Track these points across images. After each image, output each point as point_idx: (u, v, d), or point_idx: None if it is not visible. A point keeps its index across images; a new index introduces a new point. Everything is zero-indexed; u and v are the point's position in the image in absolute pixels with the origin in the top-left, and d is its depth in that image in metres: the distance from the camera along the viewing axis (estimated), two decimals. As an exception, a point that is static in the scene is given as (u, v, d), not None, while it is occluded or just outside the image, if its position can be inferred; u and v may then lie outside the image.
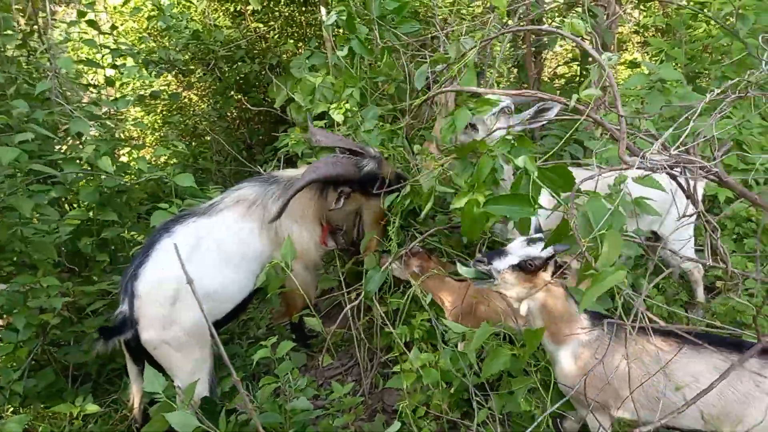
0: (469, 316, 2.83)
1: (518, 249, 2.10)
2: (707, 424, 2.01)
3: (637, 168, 1.88)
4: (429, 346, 2.89)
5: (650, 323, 2.00)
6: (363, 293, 2.94)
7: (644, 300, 2.19)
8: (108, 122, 3.95)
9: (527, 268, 2.06)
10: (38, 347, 3.06)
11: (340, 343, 3.61)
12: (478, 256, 2.14)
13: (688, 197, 2.32)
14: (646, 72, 3.23)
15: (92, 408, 2.78)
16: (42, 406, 3.03)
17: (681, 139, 1.96)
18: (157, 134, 6.32)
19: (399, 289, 3.17)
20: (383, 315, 2.93)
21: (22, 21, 4.31)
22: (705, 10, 4.22)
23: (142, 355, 2.69)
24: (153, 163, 4.98)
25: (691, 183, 2.16)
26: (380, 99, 3.76)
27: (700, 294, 3.34)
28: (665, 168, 1.98)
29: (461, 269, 2.18)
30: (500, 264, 2.07)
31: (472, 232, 2.23)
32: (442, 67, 3.08)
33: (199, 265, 2.75)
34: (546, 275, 2.09)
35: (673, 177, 2.19)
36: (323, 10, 4.19)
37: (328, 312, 3.85)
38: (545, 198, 2.10)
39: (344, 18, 3.42)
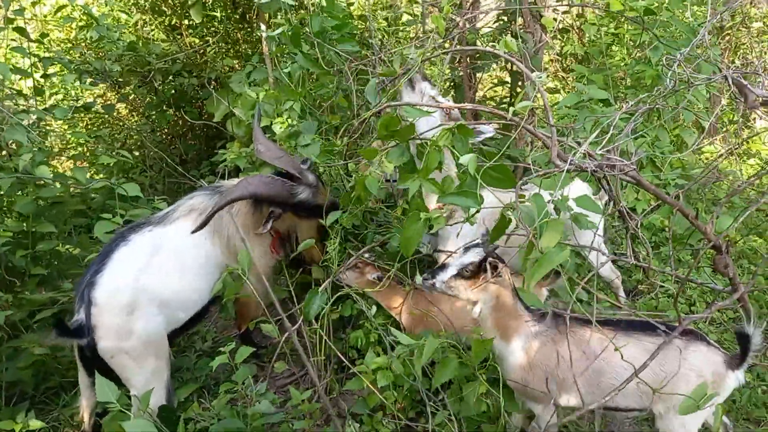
0: (421, 322, 2.97)
1: (456, 260, 2.33)
2: (644, 401, 2.26)
3: (565, 170, 2.11)
4: (381, 351, 2.99)
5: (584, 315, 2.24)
6: (302, 315, 2.93)
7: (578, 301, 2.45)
8: (37, 132, 3.81)
9: (464, 275, 2.27)
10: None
11: (290, 352, 3.62)
12: (424, 275, 2.36)
13: (609, 197, 2.61)
14: (578, 93, 3.55)
15: (36, 424, 2.65)
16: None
17: (602, 145, 2.23)
18: (80, 148, 6.09)
19: (343, 300, 3.25)
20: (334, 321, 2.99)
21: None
22: (619, 40, 4.68)
23: (94, 366, 2.62)
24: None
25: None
26: (320, 115, 3.85)
27: (622, 296, 3.65)
28: (592, 169, 2.22)
29: (418, 281, 2.37)
30: (443, 276, 2.29)
31: (409, 247, 2.38)
32: (386, 81, 3.25)
33: (157, 273, 2.76)
34: (486, 275, 2.26)
35: (598, 178, 2.46)
36: (263, 26, 4.27)
37: (278, 322, 3.85)
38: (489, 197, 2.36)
39: (289, 34, 3.51)
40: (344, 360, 2.84)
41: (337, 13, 3.66)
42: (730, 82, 2.10)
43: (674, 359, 2.20)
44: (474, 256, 2.27)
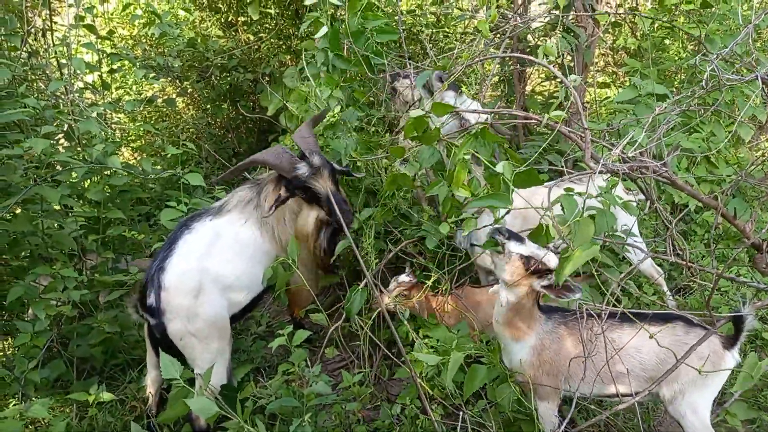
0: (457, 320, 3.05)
1: (533, 245, 2.29)
2: (646, 385, 2.33)
3: (599, 172, 2.15)
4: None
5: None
6: (345, 313, 3.05)
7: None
8: (107, 124, 4.04)
9: (529, 265, 2.25)
10: (52, 338, 3.10)
11: (341, 339, 3.74)
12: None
13: (645, 197, 2.63)
14: (633, 87, 3.53)
15: (107, 396, 2.85)
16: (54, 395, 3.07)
17: (635, 146, 2.25)
18: (140, 141, 6.38)
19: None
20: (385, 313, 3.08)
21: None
22: (674, 33, 4.60)
23: (161, 346, 2.78)
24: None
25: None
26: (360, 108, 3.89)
27: (665, 287, 3.60)
28: (625, 171, 2.24)
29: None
30: (515, 247, 2.28)
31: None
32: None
33: (219, 259, 2.93)
34: (534, 279, 2.28)
35: (632, 179, 2.48)
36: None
37: (329, 309, 3.98)
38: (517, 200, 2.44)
39: (328, 36, 3.58)
40: (394, 350, 2.92)
41: (378, 12, 3.69)
42: (759, 82, 2.10)
43: (677, 344, 2.26)
44: (543, 252, 2.23)
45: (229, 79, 5.70)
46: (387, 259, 3.24)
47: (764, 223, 4.04)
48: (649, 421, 2.95)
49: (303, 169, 3.05)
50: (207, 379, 2.53)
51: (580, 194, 2.16)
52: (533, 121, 2.62)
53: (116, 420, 3.08)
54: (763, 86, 2.12)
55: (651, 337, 2.19)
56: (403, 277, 3.14)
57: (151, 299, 2.74)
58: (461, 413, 2.57)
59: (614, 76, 6.41)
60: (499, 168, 2.24)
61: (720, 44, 3.78)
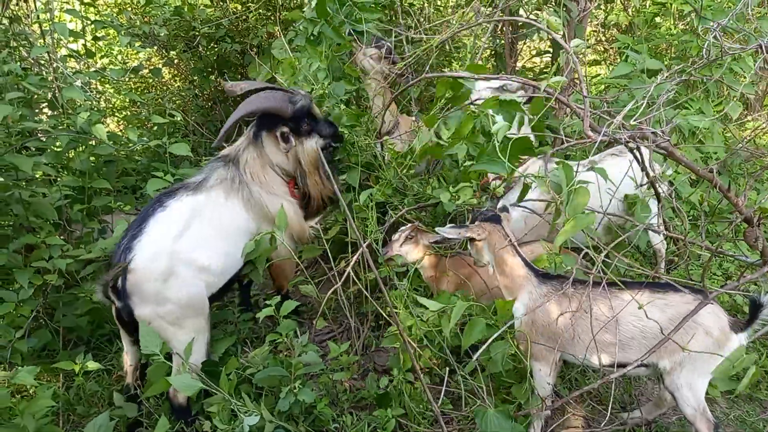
0: (458, 287, 3.06)
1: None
2: (651, 357, 2.29)
3: (599, 140, 2.15)
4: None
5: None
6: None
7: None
8: (92, 92, 3.97)
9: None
10: (38, 308, 3.08)
11: (330, 311, 3.76)
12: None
13: (642, 168, 2.64)
14: (629, 62, 3.51)
15: (93, 365, 2.83)
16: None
17: (635, 116, 2.25)
18: (125, 111, 6.28)
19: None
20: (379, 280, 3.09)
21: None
22: (666, 10, 4.58)
23: (130, 328, 2.70)
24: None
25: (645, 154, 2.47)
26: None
27: (662, 268, 3.67)
28: (624, 140, 2.25)
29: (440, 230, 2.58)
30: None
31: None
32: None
33: (195, 238, 2.78)
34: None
35: (630, 149, 2.48)
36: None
37: (315, 281, 3.98)
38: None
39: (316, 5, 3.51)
40: (382, 321, 2.93)
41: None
42: (764, 51, 2.09)
43: (684, 315, 2.23)
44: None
45: (216, 49, 5.61)
46: (388, 225, 3.22)
47: (752, 201, 4.08)
48: (630, 390, 3.01)
49: (303, 99, 3.05)
50: (187, 355, 2.52)
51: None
52: (531, 85, 2.60)
53: (103, 389, 3.09)
54: (766, 53, 2.10)
55: (640, 307, 2.14)
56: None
57: (117, 281, 2.60)
58: (450, 372, 2.59)
59: (605, 53, 6.39)
60: (495, 128, 2.23)
61: (711, 19, 3.76)
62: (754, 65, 3.82)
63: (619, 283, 2.26)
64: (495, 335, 2.39)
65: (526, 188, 2.50)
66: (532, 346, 2.46)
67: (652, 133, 2.20)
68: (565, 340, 2.41)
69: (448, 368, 2.70)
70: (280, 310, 2.74)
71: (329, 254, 3.25)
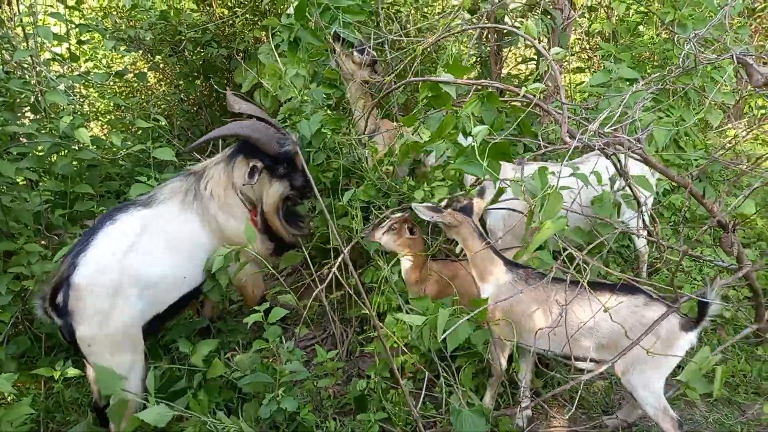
0: (444, 291, 3.08)
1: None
2: (599, 352, 2.40)
3: (574, 147, 2.19)
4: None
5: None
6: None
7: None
8: (76, 96, 3.94)
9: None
10: (17, 314, 3.04)
11: (313, 317, 3.76)
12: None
13: (619, 173, 2.68)
14: (606, 71, 3.57)
15: (73, 372, 2.80)
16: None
17: (611, 123, 2.29)
18: (110, 115, 6.23)
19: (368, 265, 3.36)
20: (359, 285, 3.09)
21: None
22: (648, 19, 4.65)
23: (74, 347, 2.60)
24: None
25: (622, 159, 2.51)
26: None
27: (644, 274, 3.71)
28: (599, 147, 2.28)
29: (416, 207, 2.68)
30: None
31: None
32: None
33: (144, 253, 2.68)
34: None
35: (606, 155, 2.52)
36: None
37: (297, 287, 3.98)
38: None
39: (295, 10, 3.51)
40: (367, 327, 2.93)
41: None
42: (735, 62, 2.14)
43: (631, 316, 2.33)
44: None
45: (202, 54, 5.59)
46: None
47: (730, 206, 4.14)
48: (611, 393, 3.04)
49: (290, 145, 3.04)
50: (118, 415, 2.34)
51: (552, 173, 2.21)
52: (512, 91, 2.62)
53: (82, 396, 3.05)
54: (739, 65, 2.15)
55: (605, 309, 2.23)
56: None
57: (59, 297, 2.46)
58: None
59: (589, 61, 6.46)
60: (476, 130, 2.25)
61: (692, 29, 3.83)
62: (735, 74, 3.89)
63: (581, 280, 2.28)
64: (461, 321, 2.44)
65: (500, 192, 2.54)
66: (494, 329, 2.61)
67: (627, 139, 2.24)
68: (522, 328, 2.54)
69: (427, 373, 2.73)
70: (269, 317, 2.73)
71: (309, 261, 3.25)
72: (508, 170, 3.20)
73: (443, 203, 2.72)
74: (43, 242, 3.27)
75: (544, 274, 2.52)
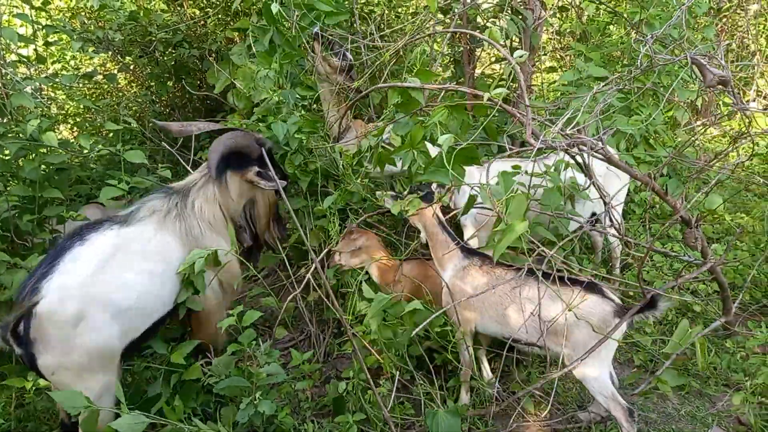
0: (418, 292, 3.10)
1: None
2: (541, 339, 2.49)
3: (538, 147, 2.22)
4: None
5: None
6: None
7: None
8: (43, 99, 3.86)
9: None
10: (-14, 322, 2.96)
11: (290, 319, 3.74)
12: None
13: (583, 172, 2.72)
14: (576, 70, 3.62)
15: (45, 382, 2.74)
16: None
17: (572, 124, 2.33)
18: (79, 118, 6.12)
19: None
20: (328, 289, 3.07)
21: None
22: (618, 18, 4.73)
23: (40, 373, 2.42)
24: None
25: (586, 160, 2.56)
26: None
27: (617, 270, 3.79)
28: (563, 147, 2.32)
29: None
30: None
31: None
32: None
33: (115, 277, 2.49)
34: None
35: (571, 155, 2.56)
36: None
37: (274, 289, 3.96)
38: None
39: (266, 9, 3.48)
40: (343, 327, 2.93)
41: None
42: (690, 62, 2.20)
43: (566, 305, 2.40)
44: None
45: (174, 55, 5.52)
46: (347, 231, 3.23)
47: (698, 202, 4.24)
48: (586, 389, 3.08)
49: (269, 142, 3.02)
50: (90, 426, 2.18)
51: (526, 172, 2.23)
52: (479, 95, 2.64)
53: (53, 406, 2.99)
54: (693, 65, 2.20)
55: (572, 306, 2.33)
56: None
57: (21, 326, 2.29)
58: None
59: (561, 60, 6.54)
60: (441, 139, 2.27)
61: (659, 28, 3.91)
62: (690, 74, 3.98)
63: (537, 271, 2.36)
64: (435, 315, 2.55)
65: (471, 200, 2.58)
66: (452, 314, 2.76)
67: (589, 140, 2.27)
68: (476, 311, 2.74)
69: (398, 372, 2.75)
70: (243, 319, 2.71)
71: (287, 262, 3.24)
72: (473, 172, 3.25)
73: (405, 192, 2.91)
74: (10, 249, 3.19)
75: (501, 263, 2.68)
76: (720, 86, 2.17)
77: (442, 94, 3.14)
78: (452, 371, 3.01)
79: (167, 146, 3.79)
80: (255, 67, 3.79)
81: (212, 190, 2.94)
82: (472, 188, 2.74)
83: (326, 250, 3.01)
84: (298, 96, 3.54)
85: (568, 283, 2.46)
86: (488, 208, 3.06)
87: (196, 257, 2.67)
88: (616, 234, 2.63)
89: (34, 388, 2.76)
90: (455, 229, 3.40)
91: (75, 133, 5.99)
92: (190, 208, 2.88)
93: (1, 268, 2.88)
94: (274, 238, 3.30)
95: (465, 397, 2.93)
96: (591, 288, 2.50)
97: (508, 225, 2.05)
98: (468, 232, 3.51)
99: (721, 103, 6.17)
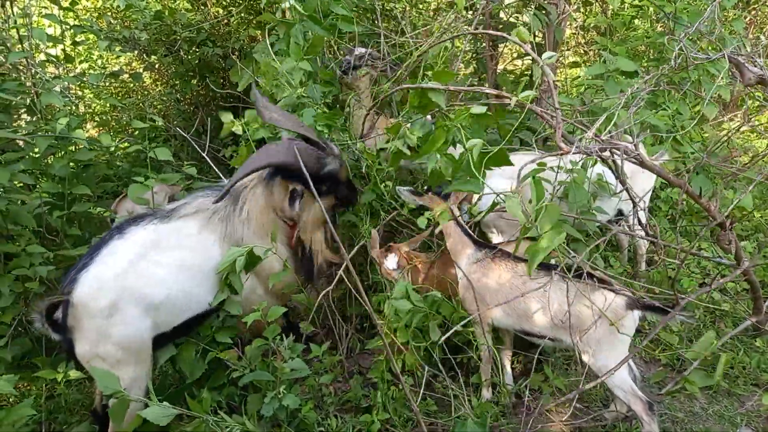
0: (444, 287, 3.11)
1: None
2: (554, 331, 2.55)
3: (573, 153, 2.18)
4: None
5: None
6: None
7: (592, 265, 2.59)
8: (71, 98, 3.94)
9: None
10: (19, 315, 3.04)
11: (314, 314, 3.75)
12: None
13: (614, 174, 2.67)
14: (603, 63, 3.57)
15: (75, 374, 2.81)
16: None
17: (608, 128, 2.29)
18: (105, 116, 6.22)
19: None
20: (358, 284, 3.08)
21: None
22: (643, 12, 4.66)
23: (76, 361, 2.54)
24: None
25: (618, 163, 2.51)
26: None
27: (642, 266, 3.74)
28: (596, 152, 2.28)
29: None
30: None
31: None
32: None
33: (147, 273, 2.55)
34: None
35: (603, 160, 2.52)
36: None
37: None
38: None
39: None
40: (366, 324, 2.95)
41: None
42: (728, 60, 2.15)
43: (579, 298, 2.42)
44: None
45: (198, 53, 5.57)
46: (379, 228, 3.24)
47: (727, 200, 4.16)
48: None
49: (333, 164, 2.88)
50: (119, 414, 2.25)
51: (552, 168, 2.20)
52: (505, 98, 2.62)
53: (84, 397, 3.06)
54: (731, 64, 2.15)
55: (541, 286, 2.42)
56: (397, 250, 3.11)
57: (58, 312, 2.40)
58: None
59: (585, 55, 6.46)
60: (471, 144, 2.25)
61: (687, 22, 3.83)
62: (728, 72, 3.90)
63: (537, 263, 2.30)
64: (466, 320, 2.55)
65: (492, 206, 2.57)
66: (469, 306, 2.80)
67: (624, 145, 2.23)
68: (490, 302, 2.73)
69: (425, 369, 2.75)
70: (267, 315, 2.73)
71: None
72: (495, 175, 3.19)
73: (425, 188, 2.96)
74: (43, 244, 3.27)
75: (511, 254, 2.71)
76: (759, 84, 2.12)
77: (461, 95, 3.13)
78: (475, 368, 3.00)
79: (193, 143, 3.82)
80: (277, 64, 3.81)
81: (261, 193, 2.89)
82: (497, 196, 2.73)
83: (356, 247, 3.02)
84: (321, 92, 3.54)
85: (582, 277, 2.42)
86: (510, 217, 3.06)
87: (236, 255, 2.65)
88: (646, 236, 2.59)
89: (64, 380, 2.81)
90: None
91: (101, 131, 6.09)
92: (238, 211, 2.86)
93: (36, 260, 2.95)
94: (328, 255, 3.14)
95: (486, 394, 2.93)
96: (601, 281, 2.49)
97: (541, 236, 1.97)
98: (492, 234, 3.47)
99: (747, 96, 6.05)
